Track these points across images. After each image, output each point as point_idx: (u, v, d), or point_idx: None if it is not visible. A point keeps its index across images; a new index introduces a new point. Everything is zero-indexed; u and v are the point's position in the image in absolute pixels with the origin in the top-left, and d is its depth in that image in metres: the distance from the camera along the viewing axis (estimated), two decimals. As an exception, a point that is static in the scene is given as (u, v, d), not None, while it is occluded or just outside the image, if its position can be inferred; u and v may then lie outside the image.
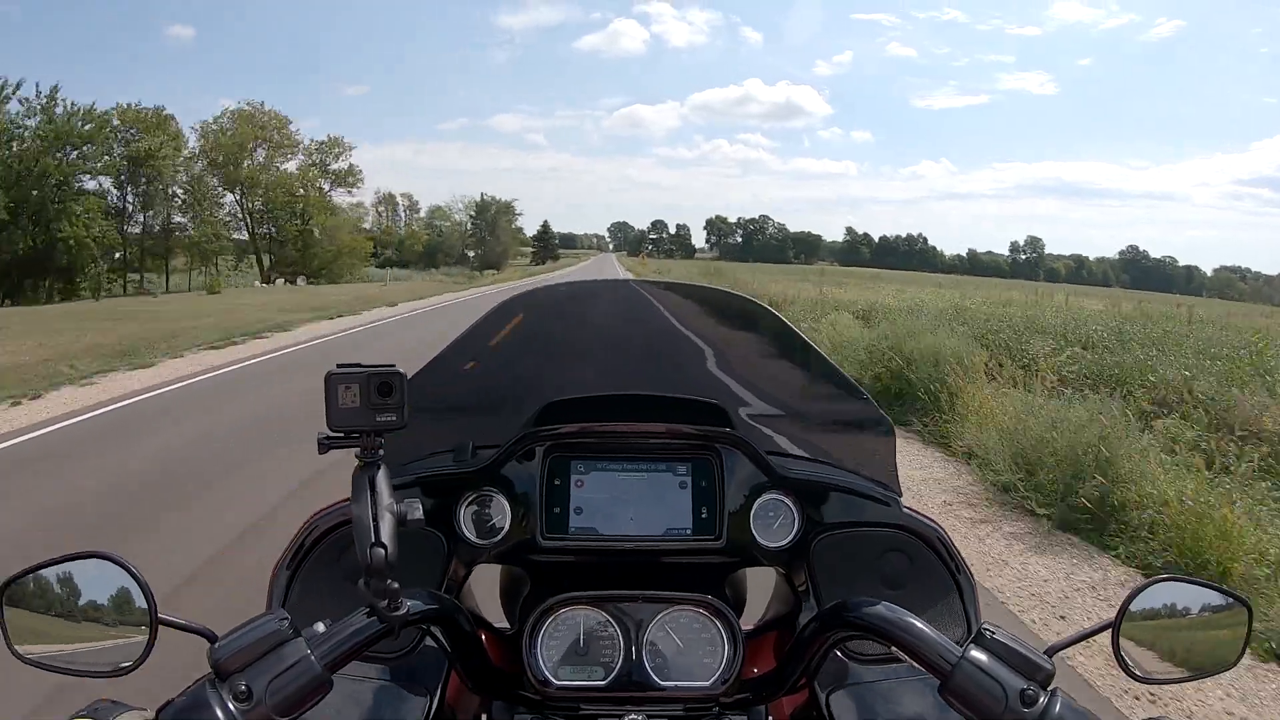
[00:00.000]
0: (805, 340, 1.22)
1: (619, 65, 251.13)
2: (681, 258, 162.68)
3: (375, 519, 0.72)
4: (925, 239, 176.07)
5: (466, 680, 0.90)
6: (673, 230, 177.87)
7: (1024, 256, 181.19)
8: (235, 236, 51.78)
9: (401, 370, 0.78)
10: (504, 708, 0.94)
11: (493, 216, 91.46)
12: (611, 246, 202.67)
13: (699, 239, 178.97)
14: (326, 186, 56.02)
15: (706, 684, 0.88)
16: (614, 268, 65.01)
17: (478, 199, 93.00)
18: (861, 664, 1.03)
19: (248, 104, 52.40)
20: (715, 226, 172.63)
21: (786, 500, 1.09)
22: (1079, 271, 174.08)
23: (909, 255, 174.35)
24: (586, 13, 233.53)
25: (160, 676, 0.80)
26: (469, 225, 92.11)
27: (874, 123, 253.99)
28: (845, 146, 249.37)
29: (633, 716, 0.87)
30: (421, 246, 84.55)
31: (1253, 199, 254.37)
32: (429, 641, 0.97)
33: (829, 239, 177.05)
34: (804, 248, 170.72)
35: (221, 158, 49.15)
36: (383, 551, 0.70)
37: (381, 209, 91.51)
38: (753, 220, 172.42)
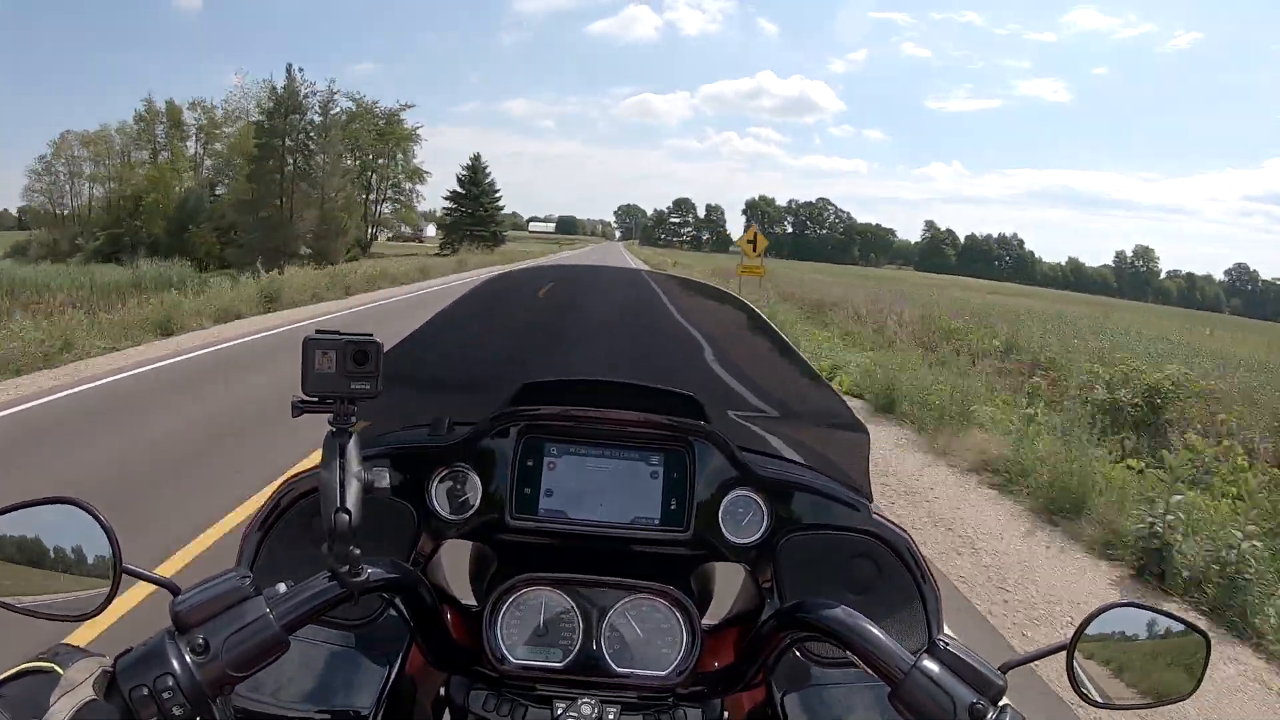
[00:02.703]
0: (784, 340, 1.25)
1: (631, 52, 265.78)
2: (712, 249, 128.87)
3: (342, 484, 0.75)
4: (1022, 242, 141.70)
5: (426, 653, 0.94)
6: (702, 213, 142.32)
7: (1132, 270, 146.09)
8: None
9: (379, 340, 0.81)
10: (462, 683, 0.97)
11: (323, 135, 42.12)
12: (619, 234, 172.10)
13: (734, 226, 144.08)
14: None
15: (663, 674, 0.92)
16: (621, 261, 42.95)
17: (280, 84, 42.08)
18: (821, 666, 1.06)
19: None
20: (758, 211, 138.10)
21: (756, 498, 1.12)
22: (1190, 293, 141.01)
23: (1002, 262, 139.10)
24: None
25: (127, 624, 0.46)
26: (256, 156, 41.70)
27: (887, 122, 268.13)
28: (857, 145, 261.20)
29: (587, 701, 0.90)
30: (173, 209, 43.24)
31: (1264, 215, 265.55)
32: (392, 612, 1.03)
33: (902, 235, 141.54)
34: (872, 245, 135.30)
35: None
36: (346, 517, 0.73)
37: (160, 130, 47.41)
38: (808, 205, 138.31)
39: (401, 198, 61.04)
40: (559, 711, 0.90)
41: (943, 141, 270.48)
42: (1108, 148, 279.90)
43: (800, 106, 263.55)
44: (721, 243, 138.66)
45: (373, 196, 58.65)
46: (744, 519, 1.12)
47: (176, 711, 0.65)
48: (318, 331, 0.80)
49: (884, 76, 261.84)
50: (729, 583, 1.29)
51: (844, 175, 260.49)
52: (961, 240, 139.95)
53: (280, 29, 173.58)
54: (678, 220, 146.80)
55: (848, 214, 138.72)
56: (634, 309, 1.42)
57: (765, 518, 1.12)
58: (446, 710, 1.01)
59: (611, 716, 0.91)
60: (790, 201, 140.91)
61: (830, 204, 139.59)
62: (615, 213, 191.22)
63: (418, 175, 61.68)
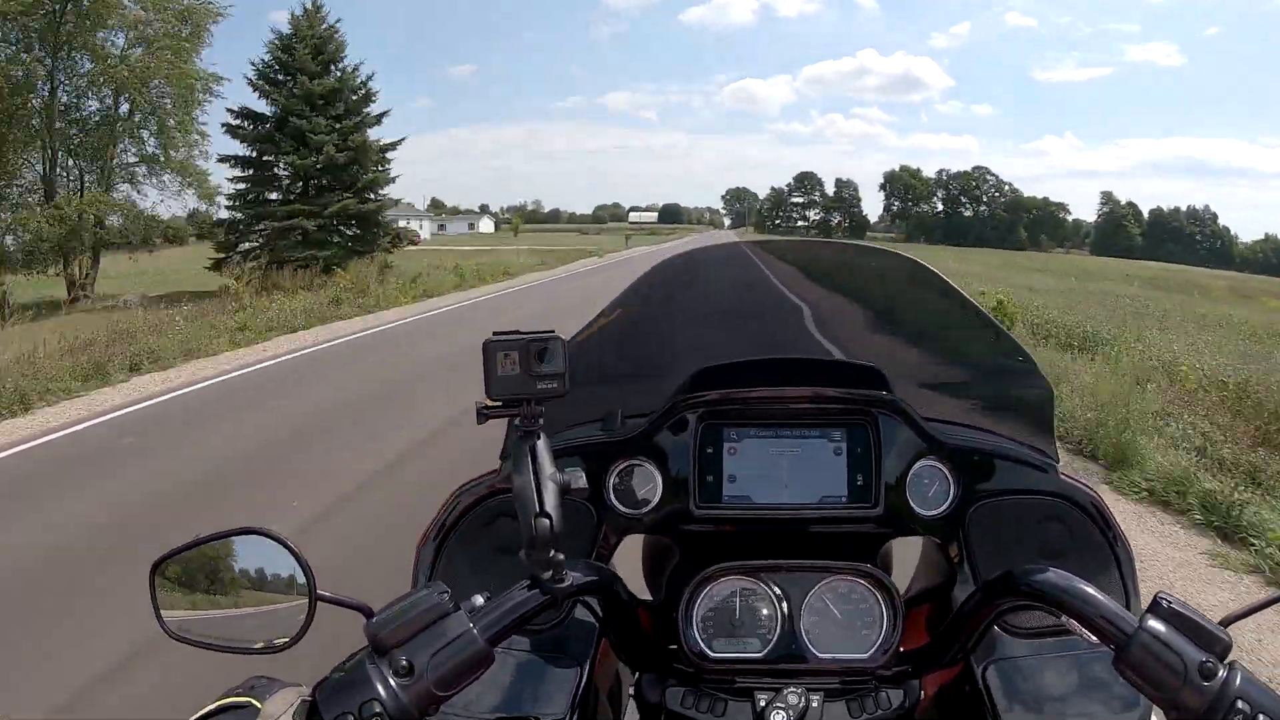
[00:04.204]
0: (963, 296, 1.21)
1: (728, 38, 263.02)
2: (846, 234, 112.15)
3: (539, 489, 0.73)
4: (1215, 216, 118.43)
5: (620, 652, 0.94)
6: (830, 190, 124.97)
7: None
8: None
9: (561, 336, 0.79)
10: (654, 680, 0.95)
11: None
12: (728, 222, 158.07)
13: (870, 205, 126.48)
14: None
15: (865, 656, 0.91)
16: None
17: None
18: (1017, 637, 1.03)
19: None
20: (899, 184, 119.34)
21: (942, 467, 1.11)
22: None
23: (1194, 241, 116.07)
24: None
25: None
26: None
27: (994, 96, 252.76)
28: (965, 120, 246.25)
29: (793, 690, 0.87)
30: None
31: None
32: (578, 614, 1.03)
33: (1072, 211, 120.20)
34: (1040, 224, 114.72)
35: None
36: (547, 522, 0.71)
37: None
38: (961, 176, 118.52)
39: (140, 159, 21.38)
40: (762, 704, 0.87)
41: (1053, 114, 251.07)
42: (1226, 112, 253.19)
43: (905, 84, 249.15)
44: (857, 227, 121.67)
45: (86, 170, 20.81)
46: (930, 490, 1.10)
47: None
48: (496, 333, 0.78)
49: (989, 49, 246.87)
50: (901, 558, 1.28)
51: (954, 153, 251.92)
52: (1146, 215, 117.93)
53: (376, 33, 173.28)
54: (801, 199, 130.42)
55: (1010, 186, 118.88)
56: (790, 283, 1.39)
57: (952, 487, 1.10)
58: (631, 708, 0.99)
59: (816, 704, 0.87)
60: (940, 172, 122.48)
61: (990, 174, 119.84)
62: (723, 197, 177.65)
63: (182, 106, 21.17)
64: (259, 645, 0.73)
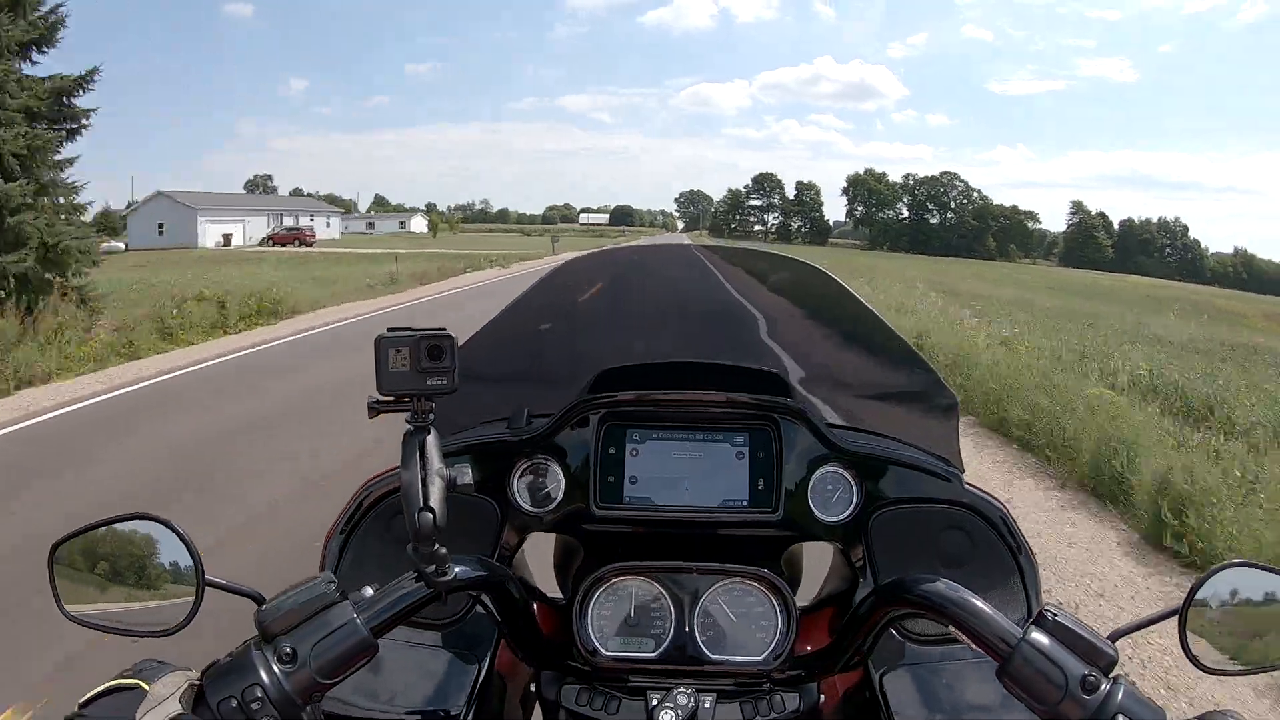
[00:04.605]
0: (869, 309, 1.23)
1: (686, 42, 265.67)
2: (806, 240, 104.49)
3: (424, 483, 0.75)
4: (1186, 229, 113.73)
5: (515, 649, 0.94)
6: (791, 193, 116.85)
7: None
8: None
9: (452, 334, 0.81)
10: (552, 678, 0.98)
11: None
12: (681, 225, 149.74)
13: (832, 209, 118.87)
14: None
15: (758, 659, 0.92)
16: None
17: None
18: (918, 644, 1.06)
19: None
20: (863, 189, 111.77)
21: (846, 474, 1.11)
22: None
23: (1165, 254, 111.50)
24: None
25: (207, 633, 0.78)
26: None
27: (950, 107, 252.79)
28: (920, 130, 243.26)
29: (682, 690, 0.88)
30: None
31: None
32: (480, 610, 1.03)
33: (1042, 220, 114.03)
34: (1008, 232, 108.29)
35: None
36: (430, 516, 0.73)
37: None
38: (929, 181, 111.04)
39: None
40: (654, 703, 0.88)
41: (1008, 125, 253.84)
42: (1176, 127, 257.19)
43: (861, 92, 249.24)
44: (819, 232, 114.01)
45: None
46: (833, 496, 1.11)
47: None
48: (390, 329, 0.79)
49: (945, 60, 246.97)
50: (816, 563, 1.29)
51: (908, 162, 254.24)
52: (1116, 226, 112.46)
53: (335, 32, 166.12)
54: (759, 203, 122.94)
55: (979, 193, 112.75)
56: (700, 287, 1.41)
57: (855, 494, 1.10)
58: (536, 706, 1.00)
59: (707, 705, 0.89)
60: (907, 176, 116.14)
61: (959, 179, 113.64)
62: (677, 200, 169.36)
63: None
64: (151, 628, 0.74)
